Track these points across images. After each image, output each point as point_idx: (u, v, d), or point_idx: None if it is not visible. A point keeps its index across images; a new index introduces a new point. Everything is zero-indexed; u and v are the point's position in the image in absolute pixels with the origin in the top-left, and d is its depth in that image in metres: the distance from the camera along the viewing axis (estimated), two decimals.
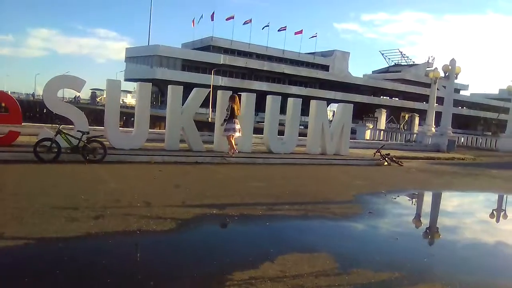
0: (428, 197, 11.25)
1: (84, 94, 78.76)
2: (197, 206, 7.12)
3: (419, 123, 37.05)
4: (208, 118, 42.06)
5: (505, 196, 11.89)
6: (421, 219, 8.32)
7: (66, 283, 4.01)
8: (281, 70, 70.79)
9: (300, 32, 76.21)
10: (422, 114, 38.31)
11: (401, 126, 38.10)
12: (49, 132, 11.06)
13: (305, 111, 16.24)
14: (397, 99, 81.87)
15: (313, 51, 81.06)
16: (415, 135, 30.04)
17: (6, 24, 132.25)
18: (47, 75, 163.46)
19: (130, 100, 77.00)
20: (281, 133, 15.36)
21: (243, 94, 14.33)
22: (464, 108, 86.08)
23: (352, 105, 16.84)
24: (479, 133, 50.92)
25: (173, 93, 13.14)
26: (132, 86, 75.27)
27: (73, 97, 64.29)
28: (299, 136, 15.50)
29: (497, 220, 8.67)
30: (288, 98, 15.65)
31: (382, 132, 31.92)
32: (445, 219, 8.31)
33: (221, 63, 63.46)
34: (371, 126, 32.42)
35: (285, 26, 74.73)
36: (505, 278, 5.16)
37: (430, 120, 27.79)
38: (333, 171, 12.89)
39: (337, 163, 14.47)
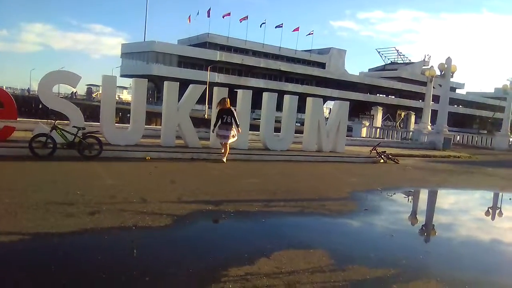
0: (423, 195, 11.30)
1: (80, 90, 78.36)
2: (193, 202, 7.12)
3: (415, 121, 37.22)
4: (204, 115, 41.98)
5: (500, 193, 11.94)
6: (416, 216, 8.35)
7: (61, 279, 3.98)
8: (278, 67, 70.71)
9: (297, 29, 76.27)
10: (418, 112, 38.43)
11: (397, 124, 38.27)
12: (45, 127, 11.02)
13: (301, 108, 16.28)
14: (393, 97, 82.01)
15: (310, 49, 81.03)
16: (411, 133, 30.12)
17: (0, 18, 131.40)
18: (42, 70, 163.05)
19: (126, 96, 76.79)
20: (277, 130, 15.36)
21: (240, 91, 14.31)
22: (460, 106, 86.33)
23: (348, 102, 16.90)
24: (474, 132, 51.24)
25: (169, 90, 13.11)
26: (128, 82, 74.99)
27: (70, 92, 63.89)
28: (295, 133, 15.54)
29: (492, 218, 8.71)
30: (285, 95, 15.66)
31: (378, 130, 32.01)
32: (440, 216, 8.35)
33: (218, 59, 63.30)
34: (367, 124, 32.52)
35: (282, 23, 74.67)
36: (500, 275, 5.19)
37: (426, 118, 27.85)
38: (329, 168, 12.90)
39: (333, 160, 14.49)
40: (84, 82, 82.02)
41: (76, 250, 4.76)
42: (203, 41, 70.97)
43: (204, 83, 21.39)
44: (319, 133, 15.32)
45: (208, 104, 42.09)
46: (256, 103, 16.34)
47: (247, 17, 72.14)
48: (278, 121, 15.27)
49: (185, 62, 62.75)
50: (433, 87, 28.70)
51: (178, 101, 13.14)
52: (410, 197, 10.59)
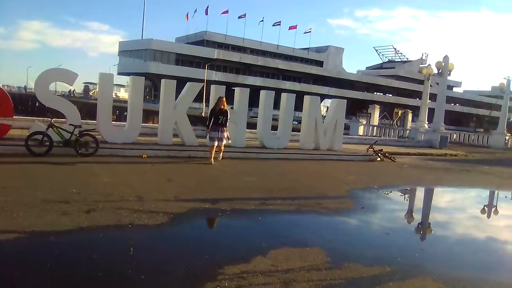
0: (420, 193, 11.32)
1: (77, 88, 78.00)
2: (189, 200, 7.11)
3: (412, 119, 37.25)
4: (201, 113, 41.95)
5: (496, 192, 11.98)
6: (413, 214, 8.37)
7: (57, 277, 3.98)
8: (275, 65, 70.68)
9: (295, 27, 76.08)
10: (415, 110, 38.52)
11: (394, 122, 38.26)
12: (41, 125, 10.98)
13: (298, 106, 16.25)
14: (390, 95, 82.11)
15: (307, 47, 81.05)
16: (408, 131, 30.19)
17: None
18: (39, 68, 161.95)
19: (123, 94, 76.50)
20: (274, 128, 15.36)
21: (237, 89, 14.30)
22: (457, 104, 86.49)
23: (346, 100, 16.91)
24: (471, 130, 51.36)
25: (167, 88, 13.09)
26: (125, 80, 74.69)
27: (67, 90, 63.67)
28: (292, 131, 15.54)
29: (488, 216, 8.75)
30: (282, 93, 15.67)
31: (375, 128, 32.02)
32: (436, 214, 8.37)
33: (215, 57, 63.21)
34: (364, 122, 32.50)
35: (280, 21, 74.62)
36: (495, 272, 5.21)
37: (423, 116, 27.93)
38: (326, 166, 12.91)
39: (330, 158, 14.50)
40: (81, 80, 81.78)
41: (72, 248, 4.75)
42: (200, 39, 70.86)
43: (201, 81, 21.42)
44: (316, 131, 15.33)
45: (205, 102, 42.06)
46: (253, 101, 16.33)
47: (245, 15, 72.10)
48: (275, 119, 15.27)
49: (182, 60, 62.67)
50: (430, 85, 28.78)
51: (175, 99, 13.12)
52: (406, 195, 10.62)
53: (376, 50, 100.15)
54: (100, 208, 6.13)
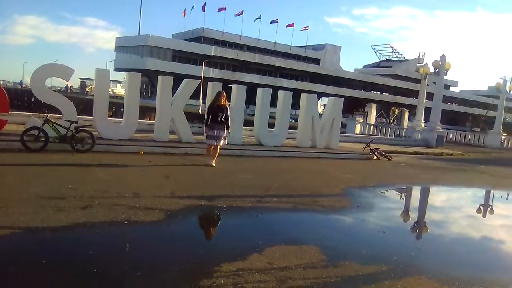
0: (416, 192, 11.35)
1: (74, 84, 77.66)
2: (185, 197, 7.10)
3: (408, 118, 37.32)
4: (198, 110, 41.89)
5: (492, 191, 12.04)
6: (409, 213, 8.39)
7: (52, 273, 3.96)
8: (272, 63, 70.61)
9: (292, 25, 76.12)
10: (412, 109, 38.54)
11: (391, 121, 38.36)
12: (37, 121, 10.93)
13: (295, 104, 16.27)
14: (387, 94, 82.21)
15: (305, 45, 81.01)
16: (404, 130, 30.24)
17: None
18: (35, 63, 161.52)
19: (119, 90, 76.28)
20: (271, 126, 15.35)
21: (234, 86, 14.27)
22: (454, 104, 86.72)
23: (343, 99, 16.91)
24: (467, 129, 51.48)
25: (163, 84, 13.04)
26: (122, 76, 74.50)
27: (65, 86, 63.29)
28: (289, 129, 15.53)
29: (484, 215, 8.78)
30: (279, 91, 15.64)
31: (372, 126, 32.08)
32: (432, 213, 8.39)
33: (212, 54, 63.10)
34: (361, 121, 32.54)
35: (277, 19, 74.53)
36: (491, 271, 5.23)
37: (419, 115, 27.98)
38: (322, 165, 12.92)
39: (327, 156, 14.51)
40: (77, 75, 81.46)
41: (67, 244, 4.74)
42: (198, 35, 70.69)
43: (198, 78, 21.38)
44: (313, 129, 15.33)
45: (202, 99, 42.01)
46: (250, 99, 16.31)
47: (242, 12, 71.97)
48: (272, 117, 15.26)
49: (179, 56, 62.47)
50: (427, 85, 28.83)
51: (172, 95, 13.09)
52: (402, 194, 10.64)
53: (374, 49, 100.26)
54: (96, 204, 6.11)
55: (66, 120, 10.58)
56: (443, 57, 25.59)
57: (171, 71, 46.91)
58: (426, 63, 30.37)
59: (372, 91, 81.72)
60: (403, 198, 10.21)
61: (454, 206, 9.50)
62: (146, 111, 33.70)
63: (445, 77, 27.00)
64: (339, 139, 16.60)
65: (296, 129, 15.96)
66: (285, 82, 64.91)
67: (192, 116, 23.86)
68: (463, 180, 13.30)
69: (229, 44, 71.51)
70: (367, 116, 37.41)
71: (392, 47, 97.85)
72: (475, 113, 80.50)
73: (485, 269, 5.33)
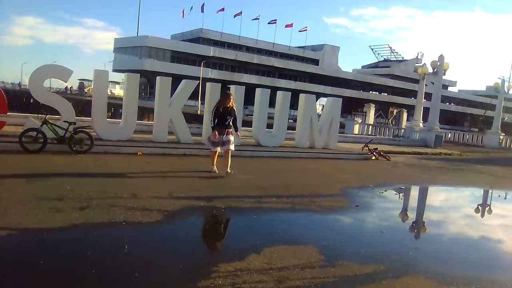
0: (414, 192, 11.36)
1: (72, 85, 77.61)
2: (184, 198, 7.09)
3: (407, 118, 37.36)
4: (197, 111, 41.87)
5: (490, 191, 12.05)
6: (407, 213, 8.39)
7: (50, 275, 3.96)
8: (271, 63, 70.63)
9: (290, 25, 76.15)
10: (410, 109, 38.60)
11: (390, 121, 38.41)
12: (35, 122, 10.91)
13: (294, 104, 16.28)
14: (386, 94, 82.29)
15: (303, 45, 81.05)
16: (403, 130, 30.26)
17: None
18: (33, 64, 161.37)
19: (118, 91, 76.21)
20: (270, 126, 15.36)
21: (233, 87, 14.27)
22: (452, 104, 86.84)
23: (341, 99, 16.93)
24: (466, 129, 51.56)
25: (162, 85, 13.04)
26: (120, 77, 74.47)
27: (64, 87, 63.15)
28: (288, 129, 15.55)
29: (482, 215, 8.80)
30: (277, 92, 15.65)
31: (370, 126, 32.11)
32: (431, 213, 8.40)
33: (211, 55, 63.10)
34: (359, 121, 32.58)
35: (275, 19, 74.51)
36: (488, 271, 5.23)
37: (418, 115, 28.01)
38: (321, 165, 12.93)
39: (325, 157, 14.52)
40: (76, 76, 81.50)
41: (65, 245, 4.73)
42: (196, 36, 70.66)
43: (197, 78, 21.34)
44: (312, 130, 15.34)
45: (201, 100, 41.97)
46: (249, 99, 16.31)
47: (241, 13, 72.07)
48: (270, 117, 15.27)
49: (178, 57, 62.44)
50: (426, 85, 28.85)
51: (171, 96, 13.09)
52: (400, 194, 10.65)
53: (372, 49, 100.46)
54: (94, 205, 6.11)
55: (64, 121, 10.58)
56: (441, 57, 25.62)
57: (169, 72, 46.80)
58: (425, 63, 30.34)
59: (370, 91, 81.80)
60: (401, 198, 10.22)
61: (452, 206, 9.51)
62: (145, 112, 33.70)
63: (444, 77, 27.07)
64: (338, 140, 16.62)
65: (295, 130, 15.98)
66: (283, 83, 64.91)
67: (190, 117, 23.87)
68: (461, 180, 13.32)
69: (227, 45, 71.49)
70: (365, 116, 37.46)
71: (391, 48, 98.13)
72: (474, 113, 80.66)
73: (483, 268, 5.34)
